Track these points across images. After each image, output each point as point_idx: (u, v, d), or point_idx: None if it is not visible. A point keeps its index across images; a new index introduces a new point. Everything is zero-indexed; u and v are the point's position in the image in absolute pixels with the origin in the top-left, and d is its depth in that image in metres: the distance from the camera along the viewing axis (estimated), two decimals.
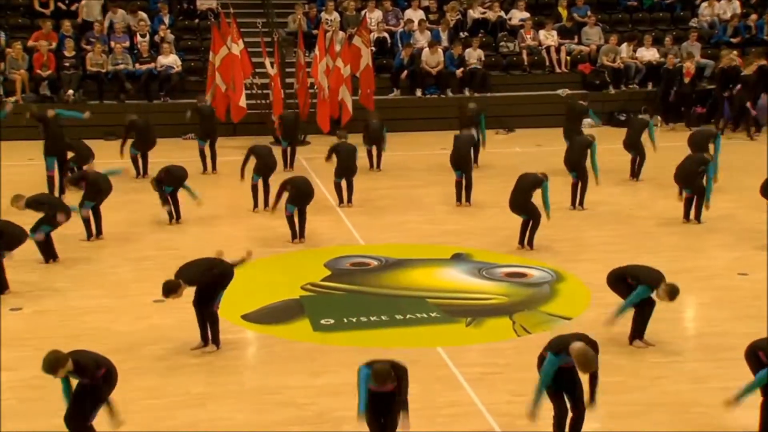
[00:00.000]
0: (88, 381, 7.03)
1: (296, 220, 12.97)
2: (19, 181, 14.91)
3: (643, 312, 9.37)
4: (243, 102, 19.75)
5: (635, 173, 16.73)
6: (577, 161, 14.61)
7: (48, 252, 12.20)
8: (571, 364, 7.02)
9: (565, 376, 7.17)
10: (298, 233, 13.01)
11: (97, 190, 13.08)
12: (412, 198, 15.69)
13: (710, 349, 9.54)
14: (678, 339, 9.83)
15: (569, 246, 12.97)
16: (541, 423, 7.54)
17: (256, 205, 14.53)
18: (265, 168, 14.40)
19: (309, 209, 13.16)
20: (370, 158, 17.58)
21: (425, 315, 10.52)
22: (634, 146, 16.67)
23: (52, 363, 6.92)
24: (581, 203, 14.70)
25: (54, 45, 20.99)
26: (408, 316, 10.45)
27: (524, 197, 12.52)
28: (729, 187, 15.65)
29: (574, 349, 6.92)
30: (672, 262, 11.67)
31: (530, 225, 12.55)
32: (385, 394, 6.96)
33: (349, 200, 15.04)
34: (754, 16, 24.16)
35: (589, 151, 14.69)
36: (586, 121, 18.59)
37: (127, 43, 21.58)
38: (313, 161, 17.86)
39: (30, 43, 20.81)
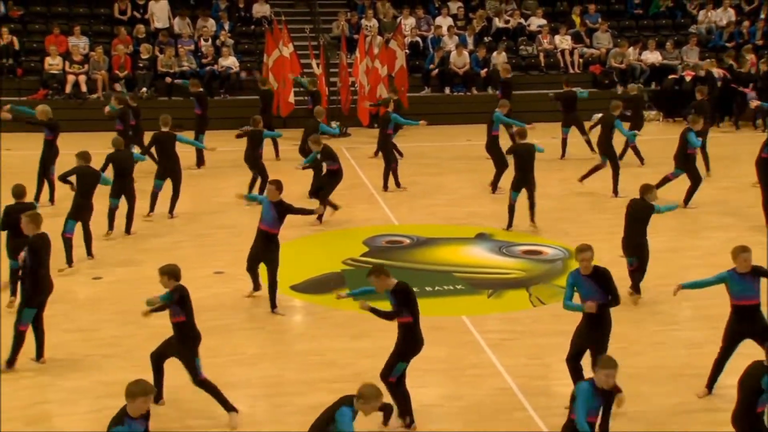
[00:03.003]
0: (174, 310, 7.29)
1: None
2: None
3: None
4: (291, 98, 19.80)
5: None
6: (607, 146, 14.44)
7: (112, 221, 12.22)
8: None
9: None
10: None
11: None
12: (441, 184, 15.60)
13: (705, 318, 9.42)
14: (676, 310, 9.74)
15: (579, 227, 12.84)
16: (560, 391, 7.50)
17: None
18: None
19: (348, 194, 13.10)
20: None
21: (452, 287, 10.51)
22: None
23: (171, 269, 7.21)
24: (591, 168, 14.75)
25: (131, 48, 21.15)
26: (436, 287, 10.45)
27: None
28: (720, 175, 15.42)
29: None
30: (671, 241, 11.54)
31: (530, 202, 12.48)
32: None
33: (397, 185, 14.91)
34: (746, 23, 23.77)
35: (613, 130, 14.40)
36: (582, 95, 17.83)
37: (192, 47, 21.68)
38: (354, 150, 17.82)
39: (113, 51, 20.91)
